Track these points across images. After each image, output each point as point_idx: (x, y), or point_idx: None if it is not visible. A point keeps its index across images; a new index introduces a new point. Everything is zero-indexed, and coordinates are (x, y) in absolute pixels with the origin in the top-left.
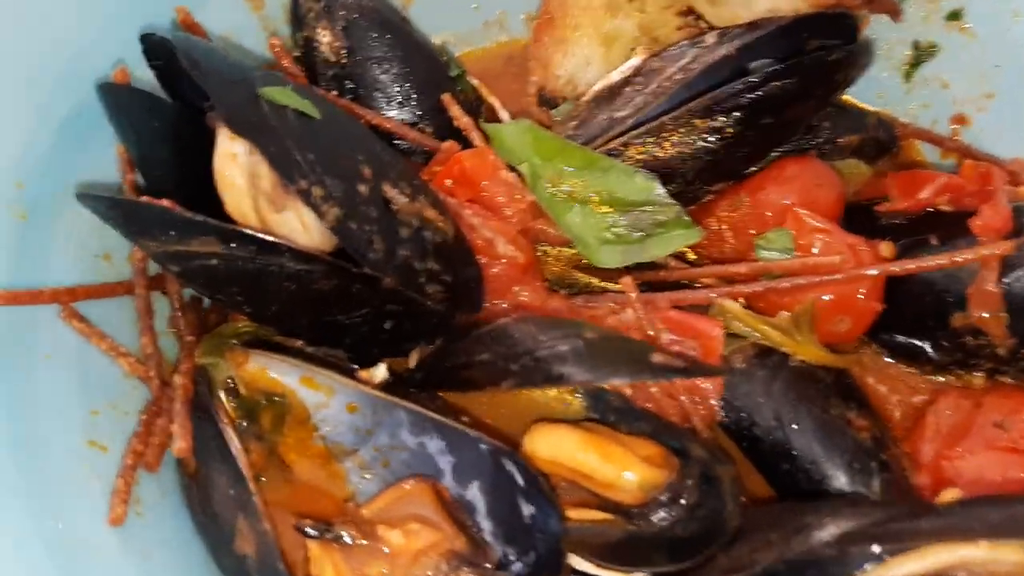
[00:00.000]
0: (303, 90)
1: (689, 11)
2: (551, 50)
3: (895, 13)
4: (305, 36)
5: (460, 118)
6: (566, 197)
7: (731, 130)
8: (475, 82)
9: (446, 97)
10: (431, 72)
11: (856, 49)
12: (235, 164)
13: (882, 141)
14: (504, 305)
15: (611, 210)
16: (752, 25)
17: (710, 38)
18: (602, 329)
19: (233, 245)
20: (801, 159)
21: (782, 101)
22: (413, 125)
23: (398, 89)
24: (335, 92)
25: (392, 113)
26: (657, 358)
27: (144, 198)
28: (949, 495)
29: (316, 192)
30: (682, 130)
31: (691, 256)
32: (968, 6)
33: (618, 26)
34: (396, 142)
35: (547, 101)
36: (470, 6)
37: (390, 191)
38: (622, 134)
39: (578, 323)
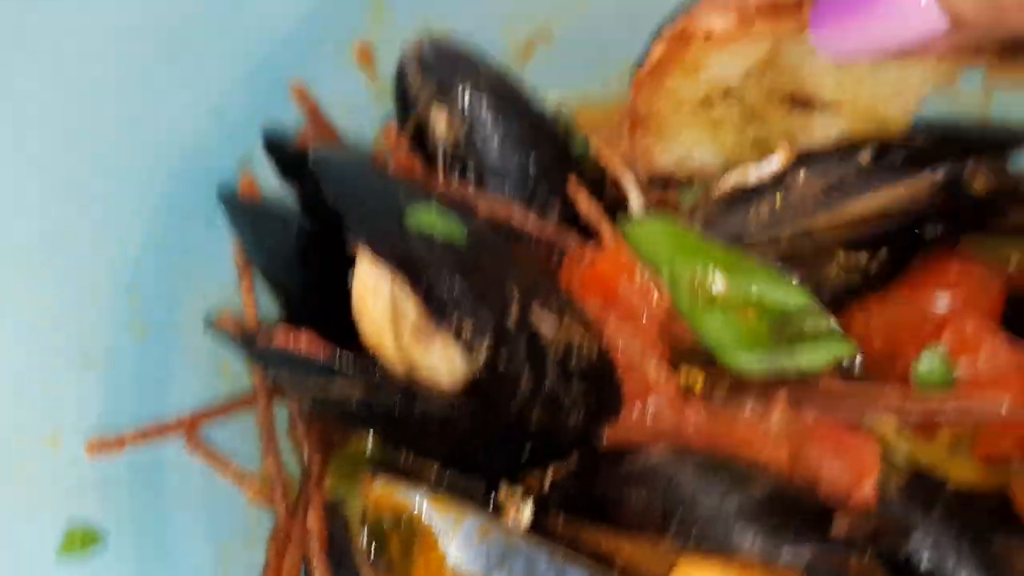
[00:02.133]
0: (448, 208)
1: (792, 97)
2: (648, 146)
3: None
4: (418, 116)
5: (589, 211)
6: (706, 299)
7: (875, 267)
8: (605, 158)
9: (572, 184)
10: (554, 152)
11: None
12: (376, 293)
13: None
14: (636, 413)
15: (755, 315)
16: (911, 148)
17: (863, 156)
18: (771, 480)
19: (379, 393)
20: (961, 261)
21: (935, 242)
22: (538, 210)
23: (521, 172)
24: (454, 176)
25: (514, 198)
26: (840, 525)
27: (281, 333)
28: None
29: (466, 328)
30: (822, 251)
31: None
32: None
33: (720, 114)
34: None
35: (654, 181)
36: (595, 59)
37: (538, 317)
38: (754, 244)
39: (743, 471)
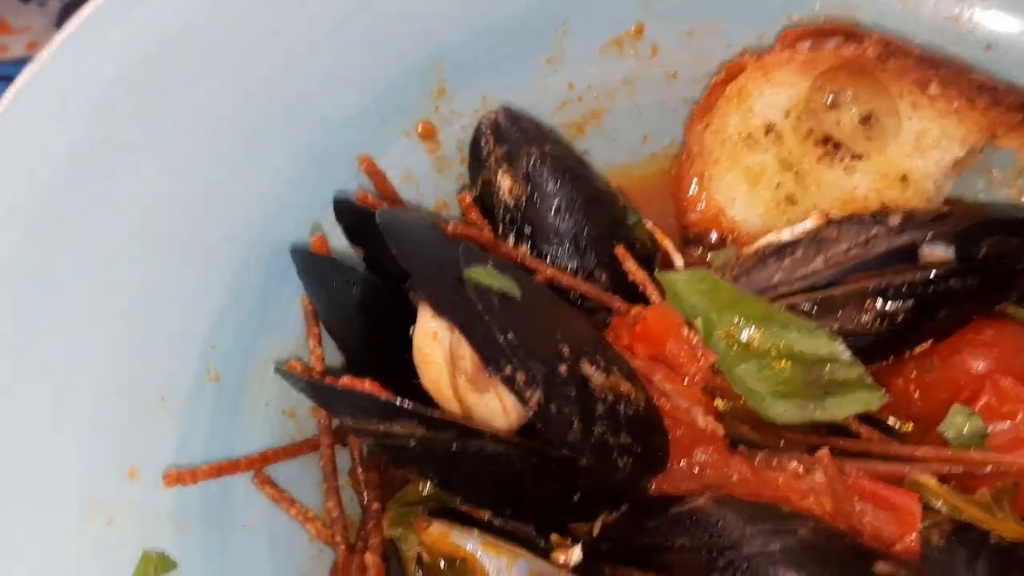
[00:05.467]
0: (503, 265)
1: (827, 139)
2: (692, 187)
3: None
4: (484, 179)
5: (635, 272)
6: (741, 349)
7: (901, 317)
8: (650, 226)
9: (620, 250)
10: (608, 220)
11: None
12: (436, 343)
13: None
14: (684, 464)
15: (788, 365)
16: (942, 217)
17: (894, 219)
18: (812, 522)
19: (436, 430)
20: (998, 323)
21: (959, 298)
22: (588, 274)
23: (574, 237)
24: (512, 237)
25: (568, 260)
26: (883, 568)
27: (345, 380)
28: None
29: (519, 377)
30: (851, 307)
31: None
32: None
33: (760, 161)
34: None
35: (691, 241)
36: (638, 137)
37: (587, 368)
38: (785, 295)
39: (786, 514)
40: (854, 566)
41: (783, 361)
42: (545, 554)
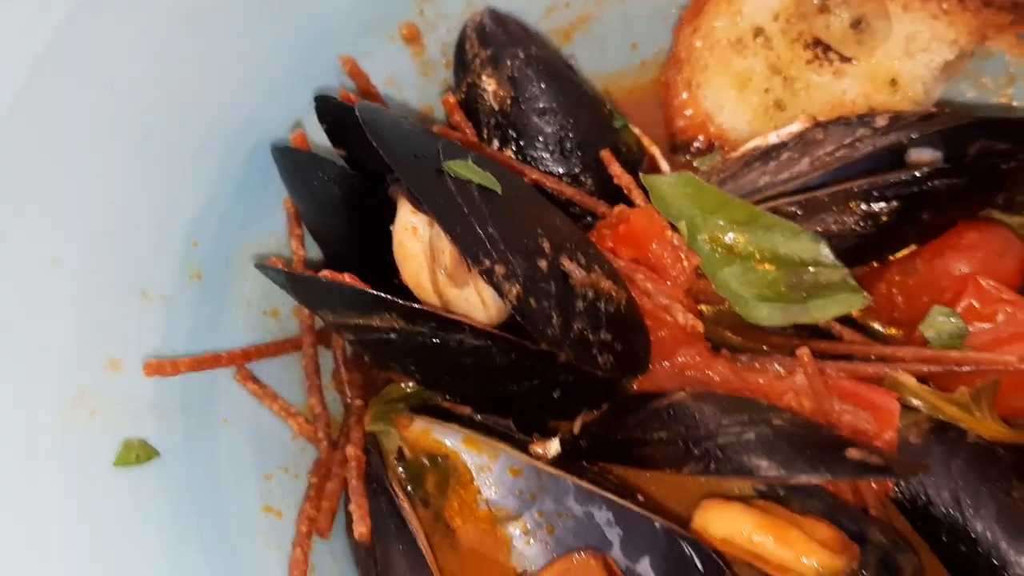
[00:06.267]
0: (484, 160)
1: (816, 42)
2: (681, 93)
3: None
4: (469, 82)
5: (620, 176)
6: (725, 252)
7: (886, 218)
8: (637, 131)
9: (605, 154)
10: (594, 124)
11: None
12: (416, 238)
13: None
14: (666, 365)
15: (772, 268)
16: (929, 117)
17: (881, 120)
18: (789, 414)
19: (415, 322)
20: (982, 225)
21: (943, 198)
22: (575, 178)
23: (561, 140)
24: (497, 141)
25: (554, 164)
26: (853, 453)
27: (325, 272)
28: None
29: (498, 271)
30: (836, 208)
31: (858, 317)
32: None
33: (749, 65)
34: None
35: (679, 147)
36: (627, 44)
37: (568, 264)
38: (770, 198)
39: (762, 406)
40: (825, 452)
41: (767, 264)
42: (524, 448)
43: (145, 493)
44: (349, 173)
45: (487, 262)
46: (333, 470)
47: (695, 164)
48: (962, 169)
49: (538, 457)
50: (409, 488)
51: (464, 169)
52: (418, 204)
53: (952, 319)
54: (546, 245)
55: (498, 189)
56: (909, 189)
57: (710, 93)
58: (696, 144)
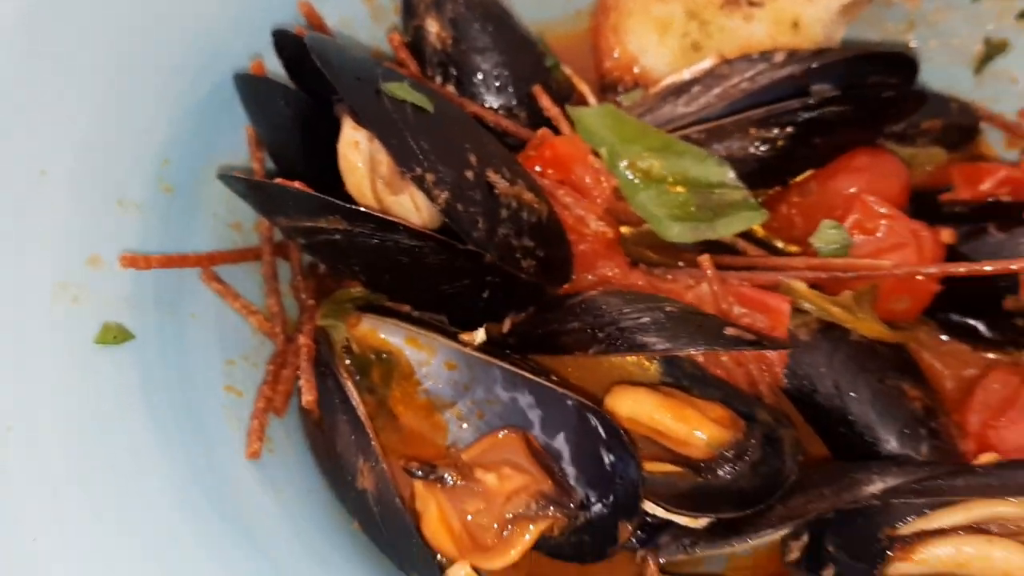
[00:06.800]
0: (419, 85)
1: None
2: (608, 37)
3: None
4: (415, 25)
5: (550, 108)
6: (642, 177)
7: (781, 143)
8: (568, 70)
9: (536, 88)
10: (528, 62)
11: (908, 93)
12: (357, 151)
13: (964, 127)
14: (590, 278)
15: (684, 191)
16: (820, 52)
17: (779, 56)
18: (681, 304)
19: (356, 223)
20: (872, 150)
21: (833, 125)
22: (510, 111)
23: (497, 77)
24: (440, 77)
25: (491, 99)
26: (730, 331)
27: (278, 180)
28: (986, 458)
29: (429, 178)
30: (738, 134)
31: (763, 235)
32: None
33: (668, 11)
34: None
35: (608, 87)
36: None
37: (493, 176)
38: (682, 127)
39: (659, 298)
40: (707, 330)
41: (679, 187)
42: (455, 338)
43: (123, 368)
44: (301, 97)
45: (419, 170)
46: (288, 359)
47: (619, 100)
48: (848, 98)
49: (466, 344)
50: (356, 376)
51: (400, 90)
52: (359, 120)
53: (838, 231)
54: (473, 158)
55: (430, 108)
56: (801, 116)
57: (634, 38)
58: (622, 85)
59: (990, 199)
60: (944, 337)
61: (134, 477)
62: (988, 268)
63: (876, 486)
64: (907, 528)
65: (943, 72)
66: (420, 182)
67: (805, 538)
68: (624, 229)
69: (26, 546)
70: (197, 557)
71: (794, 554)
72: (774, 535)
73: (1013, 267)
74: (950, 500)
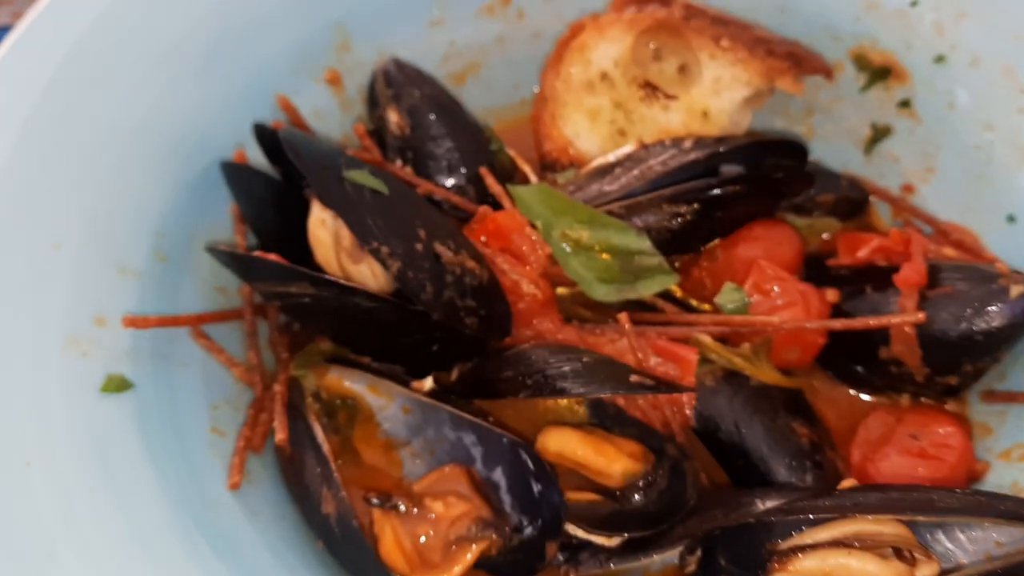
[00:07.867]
0: (377, 171)
1: (647, 84)
2: (547, 124)
3: (827, 73)
4: (378, 115)
5: (493, 187)
6: (573, 245)
7: (689, 216)
8: (512, 152)
9: (482, 170)
10: (476, 146)
11: (799, 173)
12: (324, 228)
13: (854, 200)
14: (528, 332)
15: (609, 257)
16: (724, 139)
17: (687, 142)
18: (598, 355)
19: (322, 289)
20: (768, 222)
21: (734, 201)
22: (460, 189)
23: (449, 160)
24: (400, 160)
25: (443, 178)
26: (634, 378)
27: (257, 253)
28: (847, 483)
29: (383, 250)
30: (653, 209)
31: (679, 295)
32: (914, 97)
33: (598, 102)
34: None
35: (547, 167)
36: (510, 85)
37: (439, 247)
38: (607, 203)
39: (580, 349)
40: (616, 377)
41: (604, 254)
42: (409, 386)
43: (124, 412)
44: (277, 182)
45: (375, 244)
46: (265, 404)
47: (556, 178)
48: (746, 178)
49: (417, 391)
50: (324, 419)
51: (359, 176)
52: (324, 202)
53: (738, 292)
54: (422, 232)
55: (385, 191)
56: (705, 194)
57: (569, 124)
58: (559, 165)
59: (868, 264)
60: (835, 383)
61: (135, 503)
62: (857, 324)
63: (757, 507)
64: (785, 543)
65: (837, 152)
66: (376, 254)
67: (699, 552)
68: (560, 290)
69: (45, 561)
70: (188, 569)
71: (691, 567)
72: (675, 550)
73: (872, 323)
74: (821, 518)
